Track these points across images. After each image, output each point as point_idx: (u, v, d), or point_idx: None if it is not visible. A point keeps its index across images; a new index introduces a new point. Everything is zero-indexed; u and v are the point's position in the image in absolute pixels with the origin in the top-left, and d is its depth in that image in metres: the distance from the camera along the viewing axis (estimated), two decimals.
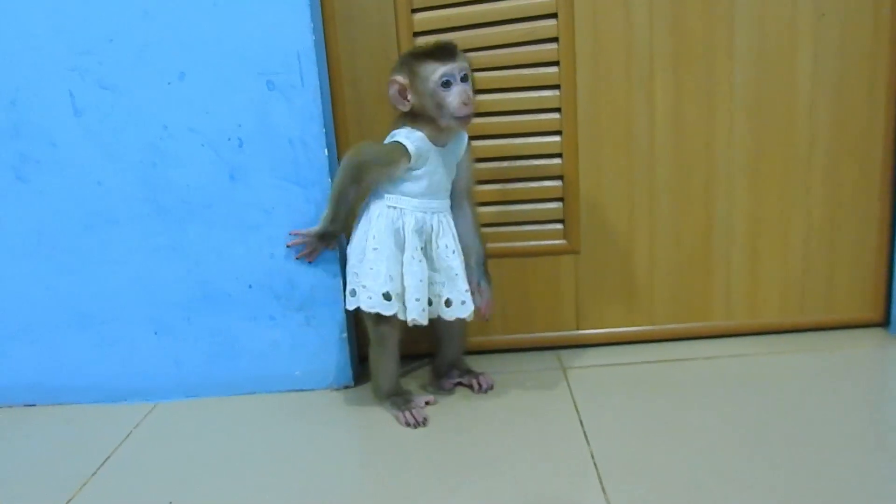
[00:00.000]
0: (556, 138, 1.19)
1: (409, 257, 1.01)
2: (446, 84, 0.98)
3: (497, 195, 1.22)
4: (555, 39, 1.16)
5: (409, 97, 1.01)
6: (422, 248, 1.02)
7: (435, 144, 1.03)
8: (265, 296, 1.15)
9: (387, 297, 1.00)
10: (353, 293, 1.04)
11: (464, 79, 0.99)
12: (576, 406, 1.06)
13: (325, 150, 1.10)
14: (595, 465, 0.90)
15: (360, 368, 1.23)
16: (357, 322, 1.24)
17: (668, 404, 1.05)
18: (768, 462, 0.88)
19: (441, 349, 1.16)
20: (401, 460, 0.96)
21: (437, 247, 1.04)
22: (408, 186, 1.03)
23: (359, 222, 1.06)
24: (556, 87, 1.17)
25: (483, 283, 1.10)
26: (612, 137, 1.19)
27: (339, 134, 1.18)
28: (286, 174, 1.10)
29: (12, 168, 1.12)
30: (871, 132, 1.19)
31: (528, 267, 1.24)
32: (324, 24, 1.14)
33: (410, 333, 1.07)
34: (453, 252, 1.03)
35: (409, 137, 1.01)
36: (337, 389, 1.19)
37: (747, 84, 1.18)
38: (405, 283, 1.01)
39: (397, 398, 1.09)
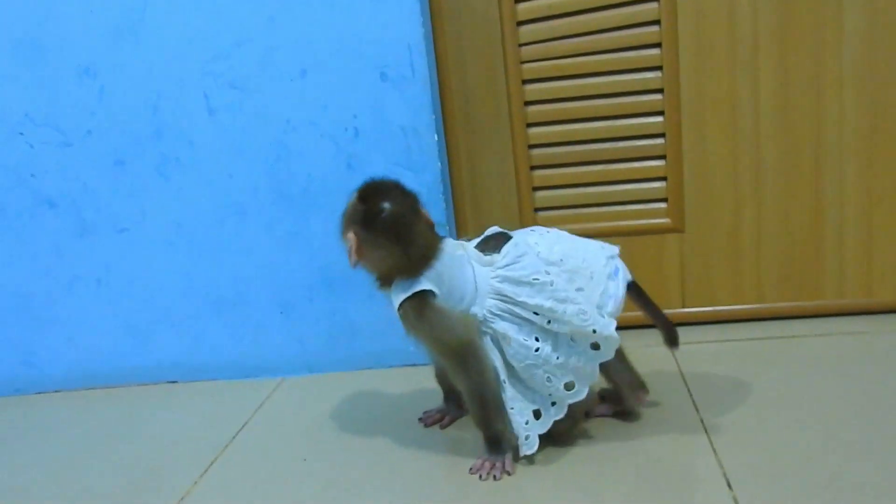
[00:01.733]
0: (659, 119, 1.21)
1: None
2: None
3: (601, 176, 1.25)
4: (657, 22, 1.18)
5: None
6: None
7: None
8: None
9: None
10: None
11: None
12: (684, 379, 1.08)
13: (435, 136, 1.16)
14: (706, 431, 0.92)
15: None
16: None
17: (780, 377, 1.05)
18: (882, 436, 0.87)
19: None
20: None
21: None
22: None
23: None
24: (659, 68, 1.19)
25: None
26: (715, 117, 1.20)
27: (446, 120, 1.25)
28: (398, 160, 1.17)
29: (155, 167, 1.23)
30: None
31: (634, 246, 1.26)
32: (432, 19, 1.20)
33: None
34: None
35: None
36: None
37: (856, 62, 1.16)
38: None
39: None
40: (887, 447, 0.85)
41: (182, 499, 0.92)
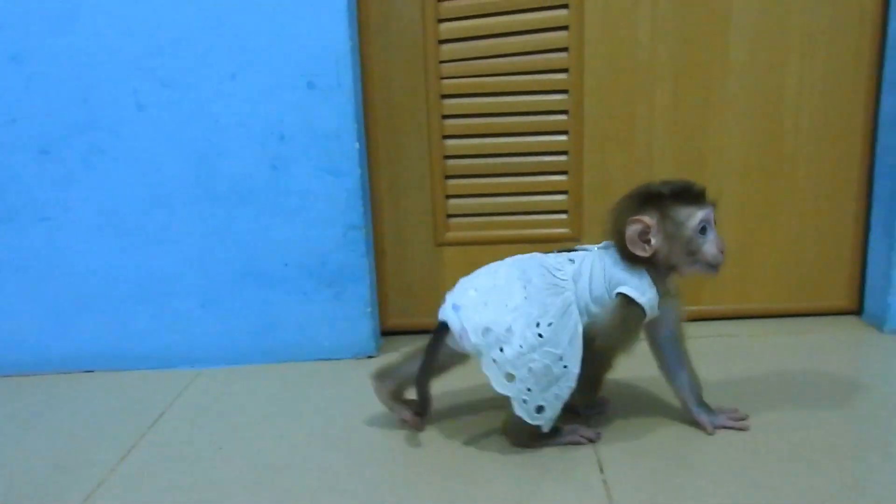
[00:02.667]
0: (564, 137, 1.33)
1: None
2: (703, 230, 0.91)
3: (509, 187, 1.35)
4: (565, 49, 1.29)
5: (652, 241, 0.91)
6: None
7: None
8: (300, 273, 1.29)
9: None
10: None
11: (714, 223, 0.92)
12: None
13: (357, 144, 1.23)
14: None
15: (382, 340, 1.38)
16: (380, 296, 1.38)
17: (658, 374, 1.18)
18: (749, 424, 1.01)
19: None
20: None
21: None
22: None
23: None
24: (566, 91, 1.31)
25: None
26: (614, 137, 1.32)
27: (369, 129, 1.32)
28: (321, 164, 1.24)
29: (81, 158, 1.26)
30: (850, 138, 1.32)
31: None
32: (360, 32, 1.28)
33: None
34: None
35: (646, 294, 0.92)
36: (361, 359, 1.32)
37: (739, 93, 1.30)
38: None
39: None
40: (749, 435, 0.98)
41: (97, 487, 0.95)
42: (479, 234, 1.37)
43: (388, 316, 1.41)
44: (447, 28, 1.29)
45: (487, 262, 1.37)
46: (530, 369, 0.90)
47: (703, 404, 1.00)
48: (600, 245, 0.98)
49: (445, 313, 0.96)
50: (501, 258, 1.35)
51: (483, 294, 0.94)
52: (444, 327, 0.96)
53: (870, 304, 1.36)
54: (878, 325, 1.32)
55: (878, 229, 1.31)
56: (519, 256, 1.00)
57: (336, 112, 1.23)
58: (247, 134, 1.24)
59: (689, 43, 1.29)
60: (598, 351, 0.94)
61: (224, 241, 1.28)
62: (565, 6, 1.28)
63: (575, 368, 0.92)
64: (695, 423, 1.00)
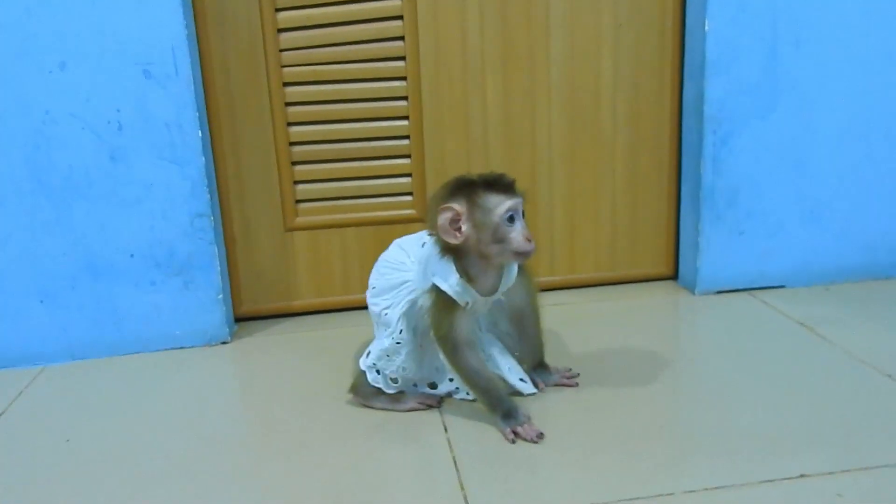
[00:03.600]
0: (405, 122, 1.39)
1: None
2: (510, 219, 0.93)
3: (355, 172, 1.40)
4: (401, 38, 1.35)
5: (462, 229, 0.93)
6: None
7: (474, 289, 0.98)
8: (146, 264, 1.28)
9: None
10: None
11: (522, 214, 0.95)
12: None
13: (199, 132, 1.24)
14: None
15: (236, 326, 1.39)
16: (232, 283, 1.40)
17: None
18: (589, 389, 1.12)
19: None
20: (276, 399, 1.13)
21: None
22: None
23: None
24: (404, 78, 1.37)
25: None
26: (451, 122, 1.40)
27: (211, 117, 1.33)
28: (163, 154, 1.24)
29: None
30: (660, 124, 1.46)
31: (385, 234, 1.43)
32: (196, 21, 1.27)
33: None
34: None
35: (448, 280, 0.96)
36: (214, 346, 1.33)
37: (562, 82, 1.41)
38: None
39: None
40: (579, 390, 1.09)
41: None
42: (327, 218, 1.41)
43: (241, 302, 1.43)
44: (285, 17, 1.31)
45: (337, 247, 1.43)
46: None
47: (542, 365, 1.11)
48: None
49: None
50: (350, 242, 1.43)
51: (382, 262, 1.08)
52: None
53: (683, 269, 1.52)
54: (691, 287, 1.48)
55: (687, 202, 1.47)
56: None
57: (175, 101, 1.22)
58: (81, 125, 1.21)
59: (514, 31, 1.38)
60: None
61: (60, 235, 1.25)
62: None
63: (406, 346, 1.03)
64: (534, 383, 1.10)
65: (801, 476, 0.85)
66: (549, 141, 1.44)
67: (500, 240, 0.93)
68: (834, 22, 1.36)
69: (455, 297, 0.97)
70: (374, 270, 1.08)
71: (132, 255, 1.27)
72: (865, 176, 1.44)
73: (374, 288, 1.06)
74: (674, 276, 1.55)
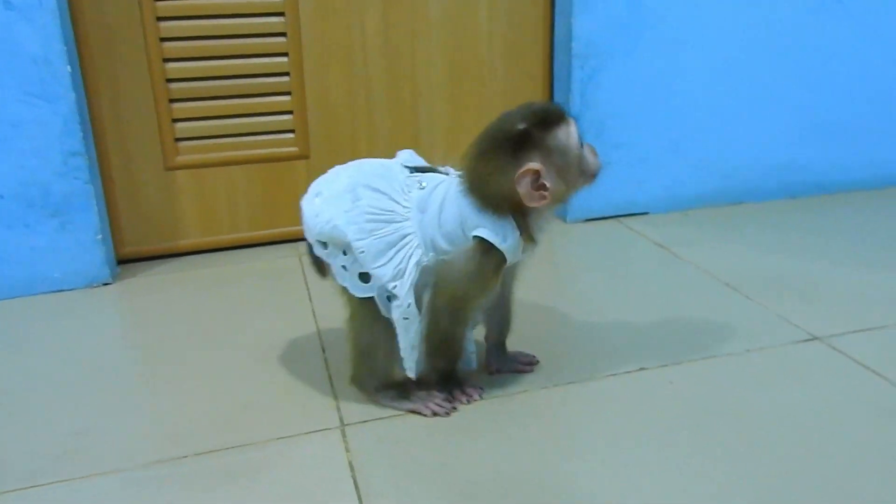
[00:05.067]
0: (284, 59, 1.39)
1: None
2: (581, 144, 0.82)
3: (235, 109, 1.40)
4: None
5: (548, 185, 0.79)
6: None
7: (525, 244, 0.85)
8: (19, 205, 1.25)
9: None
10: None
11: None
12: (305, 277, 1.31)
13: (69, 67, 1.21)
14: (314, 317, 1.16)
15: (119, 268, 1.39)
16: (113, 224, 1.38)
17: None
18: None
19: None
20: (162, 336, 1.15)
21: None
22: None
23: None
24: (282, 14, 1.37)
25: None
26: (333, 57, 1.41)
27: (83, 52, 1.29)
28: (32, 90, 1.20)
29: None
30: (535, 59, 1.52)
31: (268, 172, 1.44)
32: None
33: None
34: None
35: (508, 240, 0.82)
36: (96, 287, 1.32)
37: (441, 16, 1.45)
38: None
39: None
40: None
41: None
42: (209, 156, 1.41)
43: (123, 244, 1.41)
44: None
45: (222, 185, 1.43)
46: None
47: (502, 347, 0.99)
48: (458, 171, 0.86)
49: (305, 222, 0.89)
50: (236, 179, 1.43)
51: (323, 201, 0.86)
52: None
53: None
54: (562, 216, 1.57)
55: None
56: (372, 162, 0.91)
57: (41, 34, 1.18)
58: None
59: None
60: (441, 305, 0.85)
61: None
62: None
63: (415, 322, 0.85)
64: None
65: (641, 369, 0.97)
66: (430, 77, 1.48)
67: (584, 171, 0.83)
68: None
69: (510, 257, 0.83)
70: (342, 225, 0.83)
71: (2, 197, 1.24)
72: (726, 109, 1.56)
73: (362, 252, 0.82)
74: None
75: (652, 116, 1.53)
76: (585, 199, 1.52)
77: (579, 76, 1.46)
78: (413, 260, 0.83)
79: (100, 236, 1.30)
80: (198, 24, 1.34)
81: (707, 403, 0.89)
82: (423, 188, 0.87)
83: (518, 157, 0.79)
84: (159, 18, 1.32)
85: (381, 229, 0.83)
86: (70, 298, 1.29)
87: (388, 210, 0.84)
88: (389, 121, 1.48)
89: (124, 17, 1.30)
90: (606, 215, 1.57)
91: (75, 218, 1.28)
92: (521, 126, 0.80)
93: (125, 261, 1.42)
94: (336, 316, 1.14)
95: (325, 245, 0.87)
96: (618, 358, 1.00)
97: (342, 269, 0.86)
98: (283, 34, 1.38)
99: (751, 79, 1.56)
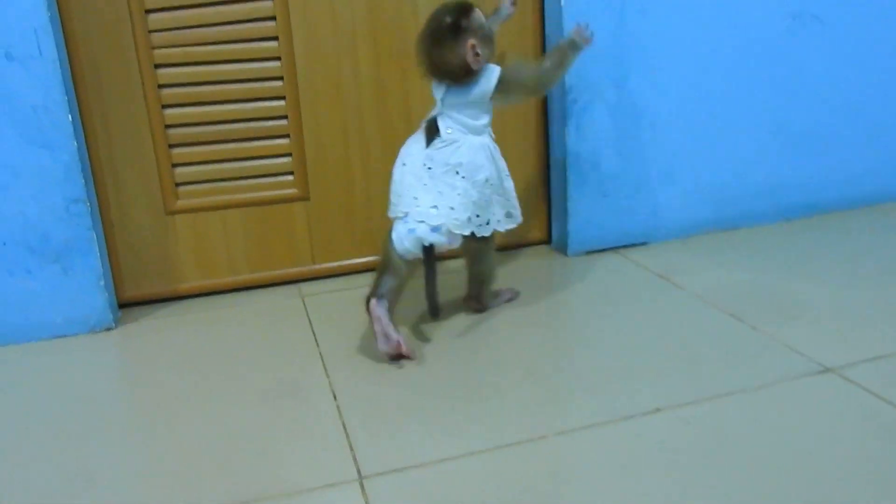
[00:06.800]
0: (282, 102, 1.41)
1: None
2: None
3: (234, 153, 1.41)
4: (273, 18, 1.37)
5: (479, 52, 1.12)
6: None
7: None
8: (21, 251, 1.26)
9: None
10: (488, 222, 1.19)
11: None
12: (309, 319, 1.31)
13: (69, 116, 1.22)
14: (322, 358, 1.16)
15: (120, 312, 1.38)
16: (114, 268, 1.39)
17: None
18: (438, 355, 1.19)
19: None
20: (161, 385, 1.14)
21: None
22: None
23: (475, 156, 1.16)
24: (278, 58, 1.39)
25: None
26: (326, 98, 1.43)
27: (81, 100, 1.31)
28: (33, 139, 1.22)
29: None
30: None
31: (267, 214, 1.45)
32: (59, 4, 1.25)
33: None
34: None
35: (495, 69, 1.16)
36: (99, 332, 1.32)
37: None
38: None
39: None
40: (463, 341, 1.16)
41: None
42: (209, 200, 1.42)
43: (124, 288, 1.42)
44: None
45: (220, 229, 1.44)
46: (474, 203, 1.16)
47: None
48: (438, 107, 1.19)
49: (425, 236, 1.13)
50: (234, 223, 1.44)
51: (428, 201, 1.14)
52: (431, 248, 1.14)
53: (555, 233, 1.61)
54: (563, 250, 1.58)
55: (556, 169, 1.57)
56: (415, 162, 1.19)
57: (41, 84, 1.20)
58: None
59: (383, 2, 1.42)
60: (534, 82, 1.25)
61: None
62: None
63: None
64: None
65: (657, 410, 0.95)
66: (423, 108, 1.49)
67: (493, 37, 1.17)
68: None
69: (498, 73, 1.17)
70: (438, 203, 1.13)
71: (4, 243, 1.25)
72: (708, 133, 1.58)
73: (476, 217, 1.16)
74: (548, 241, 1.64)
75: (642, 144, 1.54)
76: (584, 231, 1.54)
77: (574, 110, 1.47)
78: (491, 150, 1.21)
79: (102, 281, 1.31)
80: (195, 71, 1.36)
81: (729, 445, 0.86)
82: (450, 133, 1.17)
83: (458, 39, 1.12)
84: (157, 66, 1.34)
85: (469, 192, 1.15)
86: (73, 344, 1.29)
87: (478, 164, 1.16)
88: (384, 154, 1.47)
89: (121, 67, 1.32)
90: (606, 247, 1.57)
91: (77, 263, 1.29)
92: (450, 20, 1.12)
93: (125, 304, 1.42)
94: (345, 357, 1.14)
95: (478, 215, 1.17)
96: (630, 396, 0.98)
97: (486, 225, 1.19)
98: (279, 78, 1.40)
99: (729, 100, 1.58)
